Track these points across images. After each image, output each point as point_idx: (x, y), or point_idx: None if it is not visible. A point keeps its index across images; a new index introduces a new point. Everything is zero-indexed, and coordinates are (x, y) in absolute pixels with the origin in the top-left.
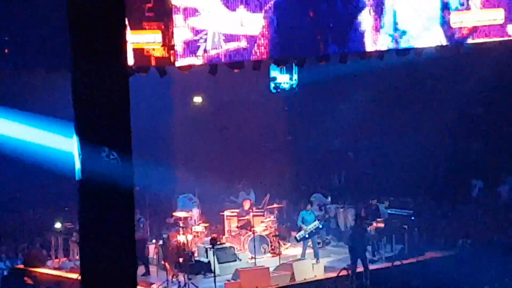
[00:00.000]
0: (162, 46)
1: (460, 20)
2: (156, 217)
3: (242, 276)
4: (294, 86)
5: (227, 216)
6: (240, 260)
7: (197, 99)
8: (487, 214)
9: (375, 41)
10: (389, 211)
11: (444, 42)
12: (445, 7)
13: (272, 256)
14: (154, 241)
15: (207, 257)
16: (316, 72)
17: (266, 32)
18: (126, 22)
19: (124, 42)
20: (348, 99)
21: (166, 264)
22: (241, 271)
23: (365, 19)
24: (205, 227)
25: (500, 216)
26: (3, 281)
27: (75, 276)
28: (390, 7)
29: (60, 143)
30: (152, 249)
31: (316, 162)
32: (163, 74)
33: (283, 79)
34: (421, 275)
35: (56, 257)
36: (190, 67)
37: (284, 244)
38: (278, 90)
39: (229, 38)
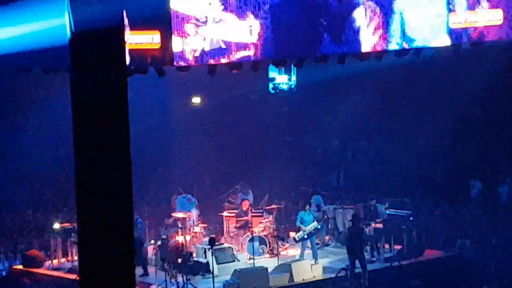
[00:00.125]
0: (160, 46)
1: (459, 20)
2: (155, 217)
3: (241, 277)
4: (292, 86)
5: (225, 216)
6: (239, 260)
7: (196, 100)
8: (486, 215)
9: (379, 45)
10: (387, 212)
11: (448, 43)
12: (451, 11)
13: (271, 257)
14: (152, 241)
15: (205, 258)
16: (315, 73)
17: (264, 33)
18: (126, 22)
19: (122, 42)
20: (347, 99)
21: (165, 264)
22: (240, 271)
23: (361, 18)
24: (204, 227)
25: (499, 216)
26: (2, 281)
27: (73, 276)
28: (398, 15)
29: None
30: (150, 249)
31: (315, 163)
32: (161, 75)
33: (282, 79)
34: (420, 276)
35: (55, 258)
36: (188, 67)
37: (282, 245)
38: (277, 90)
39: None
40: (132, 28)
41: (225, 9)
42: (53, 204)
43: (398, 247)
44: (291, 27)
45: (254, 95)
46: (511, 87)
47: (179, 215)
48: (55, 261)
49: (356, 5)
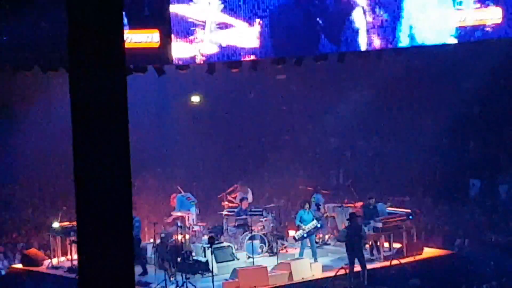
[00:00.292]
0: (159, 45)
1: (458, 19)
2: (154, 216)
3: (240, 276)
4: None
5: (225, 215)
6: (238, 259)
7: (195, 98)
8: (485, 214)
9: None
10: (387, 210)
11: (454, 41)
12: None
13: (270, 256)
14: (152, 240)
15: (205, 257)
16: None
17: (263, 33)
18: (125, 21)
19: (122, 41)
20: (346, 98)
21: (164, 263)
22: (239, 270)
23: (361, 18)
24: (203, 226)
25: (498, 215)
26: (1, 281)
27: (73, 275)
28: (406, 21)
29: None
30: (150, 248)
31: (314, 161)
32: (160, 74)
33: None
34: (419, 274)
35: (54, 257)
36: (187, 66)
37: (282, 244)
38: None
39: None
40: (131, 27)
41: (226, 11)
42: (52, 203)
43: (398, 245)
44: (290, 28)
45: (253, 94)
46: (510, 86)
47: (179, 214)
48: (54, 260)
49: (354, 5)
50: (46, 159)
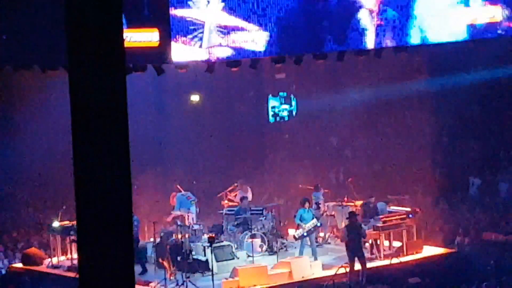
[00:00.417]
0: (159, 44)
1: (458, 16)
2: (154, 215)
3: (240, 274)
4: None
5: (225, 214)
6: (238, 258)
7: (195, 97)
8: (485, 212)
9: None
10: (387, 209)
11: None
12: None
13: (270, 254)
14: (152, 239)
15: (205, 255)
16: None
17: (263, 32)
18: (124, 20)
19: (122, 40)
20: (346, 97)
21: (164, 262)
22: (239, 269)
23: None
24: (203, 225)
25: (498, 213)
26: (1, 280)
27: (73, 274)
28: (417, 23)
29: None
30: (150, 247)
31: (314, 160)
32: (160, 73)
33: (283, 107)
34: (419, 273)
35: (54, 256)
36: (187, 65)
37: (282, 243)
38: (277, 118)
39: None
40: (131, 26)
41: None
42: (52, 202)
43: (398, 244)
44: (294, 29)
45: (253, 93)
46: (510, 85)
47: (178, 213)
48: (54, 259)
49: (360, 6)
50: (45, 158)
